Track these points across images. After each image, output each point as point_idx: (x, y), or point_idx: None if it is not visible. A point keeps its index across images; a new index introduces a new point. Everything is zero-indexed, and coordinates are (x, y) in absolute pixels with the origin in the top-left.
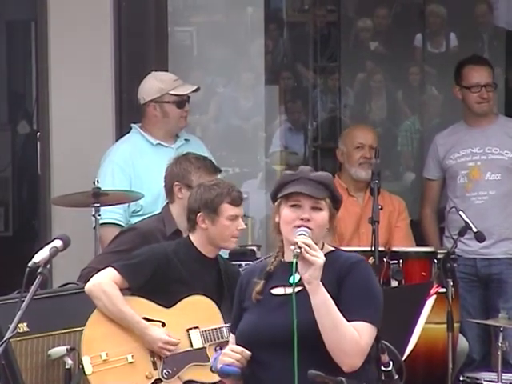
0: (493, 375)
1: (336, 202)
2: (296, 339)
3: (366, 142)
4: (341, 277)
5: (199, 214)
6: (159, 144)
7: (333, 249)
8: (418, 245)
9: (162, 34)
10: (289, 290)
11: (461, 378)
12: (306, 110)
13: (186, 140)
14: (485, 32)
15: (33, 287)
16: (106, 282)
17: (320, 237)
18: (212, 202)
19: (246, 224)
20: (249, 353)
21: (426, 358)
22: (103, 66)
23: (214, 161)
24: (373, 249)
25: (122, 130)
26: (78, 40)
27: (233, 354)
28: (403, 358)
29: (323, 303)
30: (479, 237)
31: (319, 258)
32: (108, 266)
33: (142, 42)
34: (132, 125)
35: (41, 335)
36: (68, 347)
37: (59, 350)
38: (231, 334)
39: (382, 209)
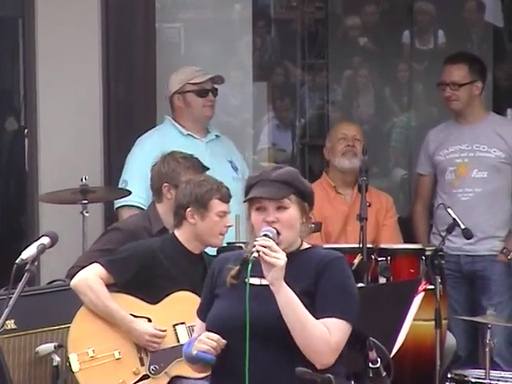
0: (481, 372)
1: (305, 195)
2: (253, 330)
3: (348, 132)
4: (318, 274)
5: (188, 209)
6: (189, 135)
7: (309, 246)
8: (407, 241)
9: (149, 31)
10: (264, 281)
11: (449, 375)
12: (294, 106)
13: (216, 136)
14: (473, 29)
15: (20, 284)
16: (91, 278)
17: (292, 235)
18: (202, 197)
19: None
20: (224, 341)
21: (414, 354)
22: (91, 63)
23: (244, 162)
24: (361, 246)
25: (109, 127)
26: (65, 37)
27: (209, 342)
28: (391, 355)
29: (287, 303)
30: (467, 234)
31: (279, 260)
32: (94, 262)
33: (130, 38)
34: (165, 116)
35: (28, 332)
36: (56, 344)
37: (47, 347)
38: (198, 320)
39: (370, 206)
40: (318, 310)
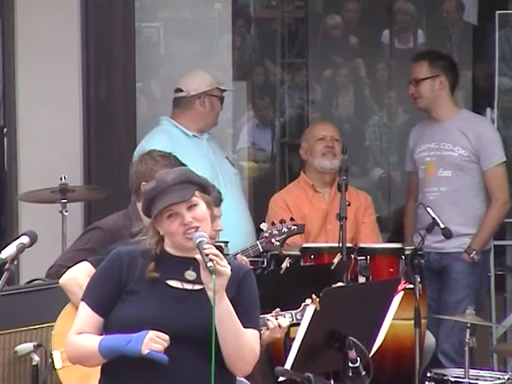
0: (460, 371)
1: (205, 188)
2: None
3: (327, 133)
4: (238, 285)
5: None
6: (194, 136)
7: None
8: (390, 240)
9: (129, 30)
10: (186, 286)
11: (428, 374)
12: (274, 106)
13: (208, 134)
14: (452, 29)
15: None
16: (81, 277)
17: (208, 228)
18: None
19: None
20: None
21: (394, 354)
22: (70, 62)
23: (230, 159)
24: (340, 245)
25: (88, 127)
26: (44, 36)
27: (162, 342)
28: (370, 355)
29: (227, 311)
30: (446, 233)
31: (227, 268)
32: (83, 261)
33: (110, 37)
34: (161, 117)
35: (7, 331)
36: (35, 343)
37: (26, 347)
38: (90, 311)
39: (349, 205)
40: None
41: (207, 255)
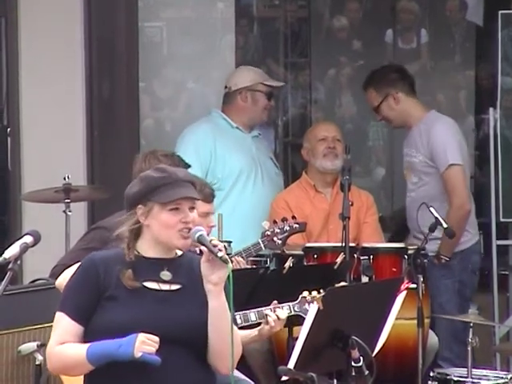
0: (463, 371)
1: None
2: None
3: (328, 133)
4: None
5: None
6: (237, 128)
7: (182, 252)
8: (392, 240)
9: (132, 30)
10: (163, 286)
11: (431, 374)
12: (277, 105)
13: (259, 134)
14: (455, 28)
15: (3, 283)
16: None
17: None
18: None
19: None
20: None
21: (397, 353)
22: (74, 62)
23: (274, 160)
24: (343, 245)
25: (92, 126)
26: (48, 36)
27: (153, 344)
28: (373, 354)
29: (224, 307)
30: (449, 233)
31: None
32: (78, 262)
33: (113, 37)
34: (212, 109)
35: (11, 331)
36: (38, 343)
37: (29, 346)
38: (70, 320)
39: (352, 205)
40: None
41: (215, 246)
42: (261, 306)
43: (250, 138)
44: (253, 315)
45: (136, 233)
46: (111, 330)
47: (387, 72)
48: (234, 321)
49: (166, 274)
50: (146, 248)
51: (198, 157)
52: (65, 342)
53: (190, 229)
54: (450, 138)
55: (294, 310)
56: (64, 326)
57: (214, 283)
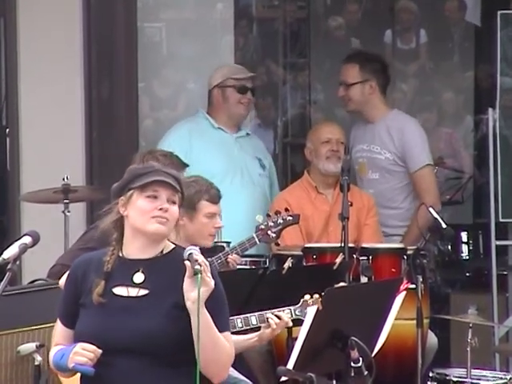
0: (462, 371)
1: (183, 198)
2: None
3: (332, 136)
4: None
5: None
6: (220, 128)
7: (173, 246)
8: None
9: (131, 30)
10: (132, 292)
11: (430, 374)
12: (276, 106)
13: (247, 134)
14: (454, 29)
15: (2, 284)
16: None
17: (170, 232)
18: (191, 198)
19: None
20: (100, 351)
21: (396, 354)
22: (72, 62)
23: (273, 166)
24: (342, 245)
25: (91, 127)
26: (47, 36)
27: (86, 353)
28: (373, 354)
29: (206, 322)
30: (449, 233)
31: (211, 280)
32: None
33: (112, 37)
34: (199, 109)
35: (10, 332)
36: (37, 344)
37: (28, 347)
38: (61, 325)
39: (351, 205)
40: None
41: (196, 260)
42: (260, 307)
43: (233, 139)
44: (254, 319)
45: (120, 231)
46: (79, 338)
47: (376, 60)
48: (234, 325)
49: (139, 277)
50: (127, 245)
51: None
52: (58, 344)
53: (166, 218)
54: (423, 138)
55: (296, 314)
56: (57, 329)
57: (193, 301)
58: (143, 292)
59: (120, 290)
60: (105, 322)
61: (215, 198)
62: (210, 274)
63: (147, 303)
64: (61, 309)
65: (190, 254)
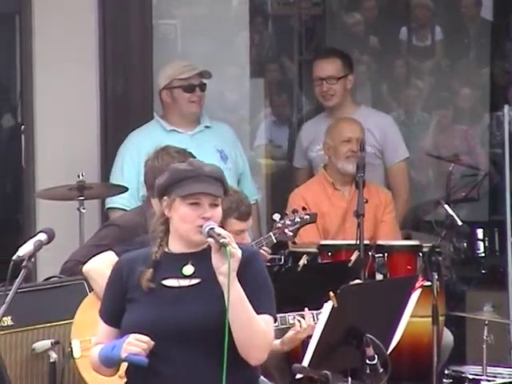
0: (478, 369)
1: (226, 194)
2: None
3: (353, 135)
4: (244, 265)
5: None
6: (173, 130)
7: None
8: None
9: (146, 27)
10: (183, 282)
11: (446, 372)
12: (291, 103)
13: (206, 127)
14: (470, 25)
15: (17, 281)
16: (105, 266)
17: None
18: None
19: None
20: (153, 343)
21: (411, 351)
22: (88, 60)
23: (242, 154)
24: (358, 242)
25: (106, 124)
26: (62, 33)
27: (140, 344)
28: (388, 352)
29: (238, 297)
30: (464, 229)
31: (238, 250)
32: (91, 258)
33: (127, 34)
34: (154, 113)
35: (25, 329)
36: (52, 341)
37: (44, 344)
38: (104, 325)
39: (367, 202)
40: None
41: (219, 234)
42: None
43: (188, 138)
44: (291, 318)
45: (166, 226)
46: (127, 331)
47: (347, 55)
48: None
49: (188, 269)
50: (172, 241)
51: (122, 175)
52: (99, 343)
53: None
54: (400, 133)
55: (318, 318)
56: (100, 329)
57: (225, 275)
58: (195, 281)
59: (170, 282)
60: (157, 313)
61: (244, 216)
62: (235, 245)
63: (201, 290)
64: (103, 307)
65: (212, 228)
